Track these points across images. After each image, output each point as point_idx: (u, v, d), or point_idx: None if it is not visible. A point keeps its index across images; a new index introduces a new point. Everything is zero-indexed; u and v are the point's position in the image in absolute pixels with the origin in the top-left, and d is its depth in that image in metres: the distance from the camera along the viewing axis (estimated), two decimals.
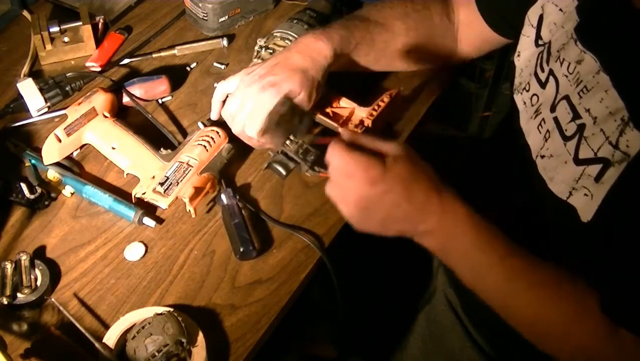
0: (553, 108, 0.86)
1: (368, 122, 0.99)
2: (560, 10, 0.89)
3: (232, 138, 0.99)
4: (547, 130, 0.86)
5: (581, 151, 0.79)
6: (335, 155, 0.79)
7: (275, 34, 1.12)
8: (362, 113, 1.02)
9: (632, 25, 0.77)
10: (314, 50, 0.96)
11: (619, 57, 0.78)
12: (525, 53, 0.96)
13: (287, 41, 1.08)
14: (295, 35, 1.10)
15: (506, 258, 0.80)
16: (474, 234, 0.80)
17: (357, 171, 0.78)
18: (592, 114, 0.78)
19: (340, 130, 0.89)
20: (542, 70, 0.90)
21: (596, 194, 0.77)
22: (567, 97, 0.83)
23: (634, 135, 0.73)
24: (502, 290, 0.82)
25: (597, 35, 0.81)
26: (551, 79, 0.87)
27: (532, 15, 0.94)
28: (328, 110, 1.04)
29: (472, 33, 1.09)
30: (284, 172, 0.99)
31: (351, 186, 0.79)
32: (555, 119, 0.84)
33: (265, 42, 1.11)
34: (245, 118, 0.94)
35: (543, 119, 0.87)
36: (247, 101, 0.93)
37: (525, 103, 0.93)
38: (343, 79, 1.03)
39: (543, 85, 0.89)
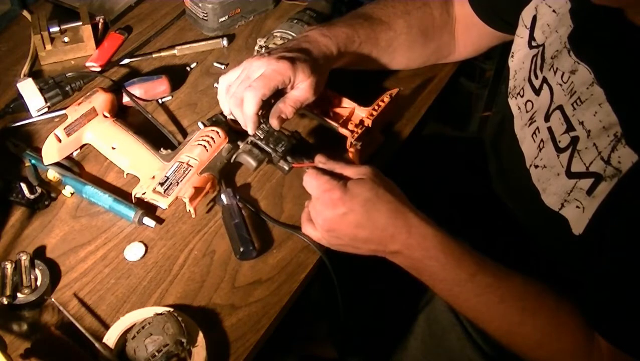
0: (547, 118, 0.86)
1: (368, 122, 0.99)
2: (554, 11, 0.89)
3: (232, 139, 0.99)
4: (542, 140, 0.86)
5: (573, 164, 0.79)
6: (306, 180, 0.85)
7: (275, 34, 1.12)
8: (362, 113, 1.02)
9: (626, 39, 0.77)
10: (322, 44, 0.97)
11: (613, 71, 0.78)
12: (518, 54, 0.96)
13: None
14: (295, 35, 1.10)
15: (476, 275, 0.82)
16: (442, 254, 0.82)
17: (320, 194, 0.83)
18: (585, 127, 0.78)
19: (316, 159, 0.89)
20: (536, 77, 0.90)
21: (588, 207, 0.77)
22: (560, 107, 0.83)
23: (626, 152, 0.73)
24: (473, 305, 0.84)
25: (591, 47, 0.81)
26: (545, 86, 0.87)
27: (526, 15, 0.94)
28: (328, 110, 1.04)
29: (468, 29, 1.09)
30: (254, 163, 0.93)
31: (318, 209, 0.84)
32: (549, 129, 0.85)
33: (265, 42, 1.11)
34: (250, 84, 0.89)
35: (537, 128, 0.87)
36: (255, 69, 0.90)
37: (519, 108, 0.93)
38: (343, 78, 1.03)
39: (537, 92, 0.89)
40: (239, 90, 0.91)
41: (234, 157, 0.94)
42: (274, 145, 0.92)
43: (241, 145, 0.94)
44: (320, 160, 0.89)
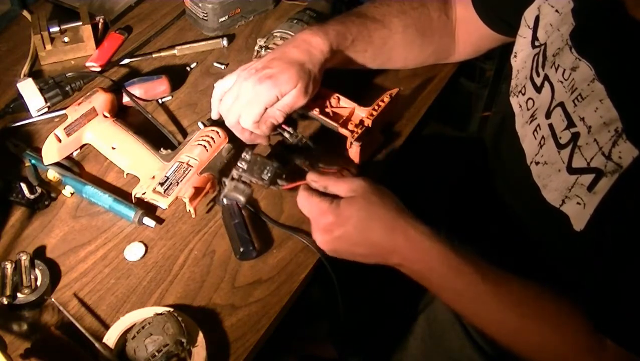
0: (548, 115, 0.86)
1: (368, 122, 0.99)
2: (557, 11, 0.89)
3: (232, 138, 0.99)
4: (543, 137, 0.86)
5: (574, 160, 0.79)
6: (300, 202, 0.85)
7: (275, 34, 1.12)
8: (362, 113, 1.02)
9: (627, 34, 0.77)
10: (311, 44, 0.96)
11: (614, 66, 0.78)
12: (521, 54, 0.96)
13: (286, 40, 1.08)
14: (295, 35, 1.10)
15: (477, 284, 0.81)
16: (441, 265, 0.82)
17: (314, 217, 0.84)
18: (586, 123, 0.78)
19: (308, 177, 0.88)
20: (538, 75, 0.90)
21: (589, 203, 0.77)
22: (561, 104, 0.83)
23: (626, 147, 0.73)
24: (475, 313, 0.85)
25: (592, 43, 0.81)
26: (546, 84, 0.87)
27: (529, 16, 0.94)
28: (328, 110, 1.04)
29: (468, 30, 1.09)
30: (242, 199, 0.91)
31: (314, 233, 0.85)
32: (550, 126, 0.85)
33: (265, 42, 1.11)
34: (240, 110, 0.94)
35: (538, 125, 0.88)
36: (244, 93, 0.93)
37: (520, 106, 0.94)
38: (343, 78, 1.03)
39: (538, 89, 0.89)
40: (233, 115, 0.95)
41: (221, 197, 0.92)
42: (258, 174, 0.90)
43: (226, 183, 0.92)
44: (312, 178, 0.88)
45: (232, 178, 0.92)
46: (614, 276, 0.76)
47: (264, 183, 0.90)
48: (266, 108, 0.93)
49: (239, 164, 0.90)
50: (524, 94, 0.93)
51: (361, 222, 0.82)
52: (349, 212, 0.82)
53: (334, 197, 0.84)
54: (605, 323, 0.76)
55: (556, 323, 0.79)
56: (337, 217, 0.82)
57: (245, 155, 0.91)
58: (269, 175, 0.90)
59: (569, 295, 0.80)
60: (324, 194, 0.85)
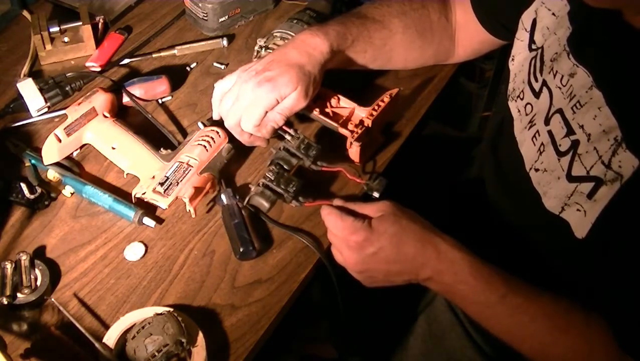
0: (547, 121, 0.86)
1: (368, 122, 0.99)
2: (553, 14, 0.89)
3: (232, 138, 0.99)
4: (542, 144, 0.86)
5: (574, 168, 0.79)
6: (329, 220, 0.86)
7: (275, 34, 1.12)
8: (362, 113, 1.02)
9: (625, 42, 0.77)
10: (310, 45, 0.96)
11: (612, 74, 0.77)
12: (519, 57, 0.96)
13: (286, 41, 1.08)
14: (295, 35, 1.10)
15: (506, 296, 0.81)
16: (471, 277, 0.82)
17: (347, 236, 0.84)
18: (586, 131, 0.78)
19: (334, 201, 0.90)
20: (536, 80, 0.90)
21: (590, 211, 0.77)
22: (560, 111, 0.83)
23: (626, 157, 0.72)
24: (505, 326, 0.84)
25: (589, 50, 0.81)
26: (545, 89, 0.87)
27: (526, 19, 0.94)
28: (328, 110, 1.04)
29: (468, 34, 1.09)
30: (267, 205, 0.94)
31: (346, 252, 0.85)
32: (550, 133, 0.85)
33: (265, 42, 1.11)
34: (241, 112, 0.94)
35: (537, 131, 0.87)
36: (243, 96, 0.93)
37: (519, 111, 0.93)
38: (343, 78, 1.04)
39: (537, 95, 0.89)
40: (232, 117, 0.95)
41: (247, 199, 0.94)
42: (285, 186, 0.93)
43: (253, 187, 0.94)
44: (338, 203, 0.89)
45: (260, 185, 0.94)
46: (628, 290, 0.75)
47: (288, 195, 0.93)
48: (266, 112, 0.93)
49: (267, 173, 0.93)
50: (522, 99, 0.93)
51: (395, 237, 0.83)
52: (382, 227, 0.83)
53: (363, 218, 0.85)
54: (629, 343, 0.75)
55: (586, 338, 0.79)
56: (371, 233, 0.83)
57: (273, 167, 0.94)
58: (294, 189, 0.93)
59: (597, 311, 0.79)
60: (353, 215, 0.86)
